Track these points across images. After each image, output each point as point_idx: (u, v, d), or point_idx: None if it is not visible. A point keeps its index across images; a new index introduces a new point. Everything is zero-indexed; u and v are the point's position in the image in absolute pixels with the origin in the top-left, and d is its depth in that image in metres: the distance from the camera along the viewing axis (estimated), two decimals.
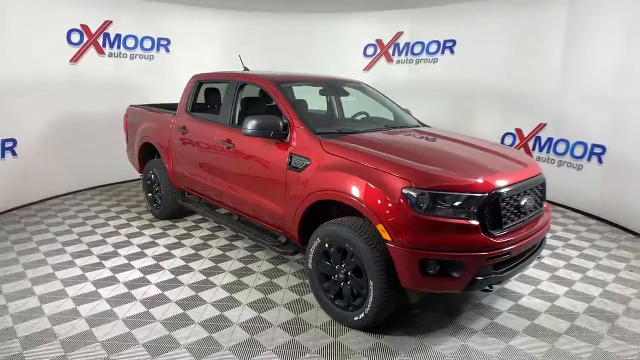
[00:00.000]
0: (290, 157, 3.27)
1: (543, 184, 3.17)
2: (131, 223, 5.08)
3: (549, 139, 6.23)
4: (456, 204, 2.58)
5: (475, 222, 2.56)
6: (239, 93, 4.00)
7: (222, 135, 3.94)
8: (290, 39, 7.96)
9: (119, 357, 2.65)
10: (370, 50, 8.26)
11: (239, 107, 4.00)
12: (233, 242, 4.52)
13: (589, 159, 5.66)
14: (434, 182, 2.61)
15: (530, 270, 3.94)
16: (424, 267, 2.57)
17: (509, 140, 6.75)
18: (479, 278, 2.61)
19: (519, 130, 6.63)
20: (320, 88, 4.29)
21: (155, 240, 4.55)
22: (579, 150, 5.80)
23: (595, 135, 5.55)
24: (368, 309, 2.79)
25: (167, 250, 4.29)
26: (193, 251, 4.29)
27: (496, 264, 2.67)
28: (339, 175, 2.91)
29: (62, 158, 6.11)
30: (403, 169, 2.69)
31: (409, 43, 7.87)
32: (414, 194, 2.57)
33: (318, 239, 3.06)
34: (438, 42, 7.50)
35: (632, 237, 4.87)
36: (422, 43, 7.71)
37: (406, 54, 7.93)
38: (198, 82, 4.60)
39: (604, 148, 5.46)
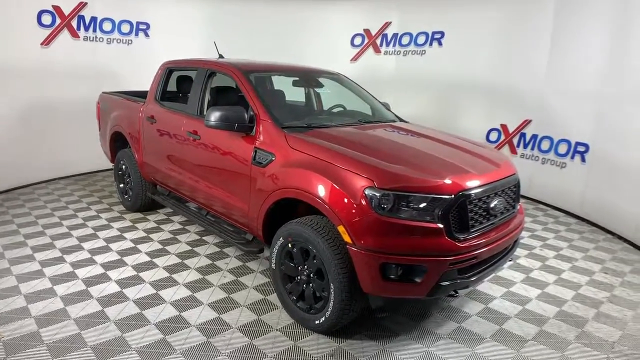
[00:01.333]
0: (255, 152, 3.12)
1: (517, 185, 3.05)
2: (101, 215, 4.91)
3: (534, 136, 6.13)
4: (420, 205, 2.45)
5: (439, 225, 2.44)
6: (208, 82, 3.82)
7: (188, 126, 3.78)
8: (276, 26, 7.74)
9: None
10: (357, 40, 8.07)
11: (207, 97, 3.82)
12: (203, 237, 4.38)
13: (572, 157, 5.57)
14: (398, 182, 2.47)
15: (505, 272, 3.85)
16: (385, 271, 2.45)
17: (494, 136, 6.64)
18: (443, 283, 2.50)
19: (504, 126, 6.52)
20: (294, 79, 4.11)
21: (123, 234, 4.40)
22: (562, 148, 5.70)
23: (579, 133, 5.45)
24: (329, 312, 2.68)
25: (133, 245, 4.14)
26: (160, 246, 4.15)
27: (462, 268, 2.55)
28: (301, 172, 2.77)
29: (33, 146, 5.91)
30: (366, 167, 2.55)
31: (397, 34, 7.69)
32: (376, 194, 2.44)
33: (281, 238, 2.93)
34: (426, 34, 7.34)
35: (610, 238, 4.80)
36: (410, 34, 7.54)
37: (394, 45, 7.75)
38: (168, 69, 4.41)
39: (587, 146, 5.36)
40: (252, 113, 3.23)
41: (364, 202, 2.45)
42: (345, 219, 2.49)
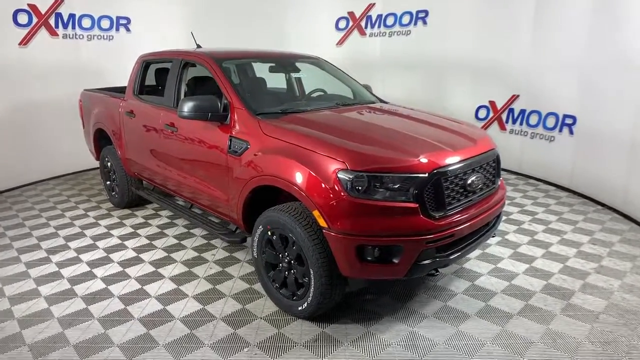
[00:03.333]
0: (230, 141, 3.08)
1: (496, 160, 3.01)
2: (88, 213, 4.89)
3: (522, 111, 6.07)
4: (394, 185, 2.42)
5: (414, 205, 2.41)
6: (183, 72, 3.76)
7: (165, 118, 3.73)
8: (259, 15, 7.63)
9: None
10: (342, 24, 7.96)
11: (183, 88, 3.77)
12: (191, 230, 4.36)
13: (560, 130, 5.52)
14: (370, 163, 2.44)
15: (492, 248, 3.84)
16: (362, 253, 2.43)
17: (482, 113, 6.58)
18: (421, 263, 2.48)
19: (492, 103, 6.45)
20: (271, 65, 4.05)
21: (110, 231, 4.38)
22: (550, 122, 5.64)
23: (566, 105, 5.38)
24: (310, 298, 2.67)
25: (120, 242, 4.13)
26: (147, 241, 4.13)
27: (440, 246, 2.53)
28: (275, 158, 2.73)
29: (19, 148, 5.87)
30: (338, 150, 2.51)
31: (382, 15, 7.58)
32: (349, 176, 2.40)
33: (261, 226, 2.91)
34: (410, 13, 7.22)
35: (600, 209, 4.78)
36: (394, 15, 7.43)
37: (379, 27, 7.65)
38: (145, 62, 4.35)
39: (574, 118, 5.30)
40: (225, 101, 3.18)
41: (337, 185, 2.42)
42: (319, 204, 2.46)
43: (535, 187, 5.62)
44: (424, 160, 2.50)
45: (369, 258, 2.44)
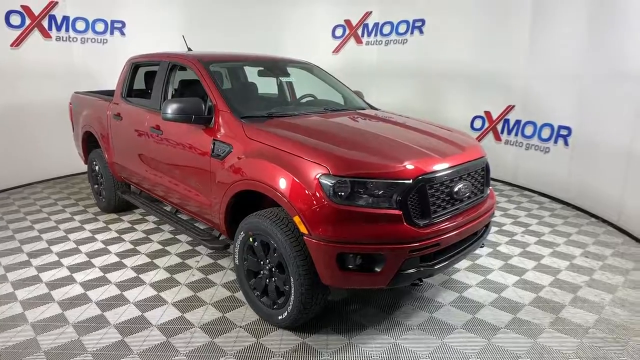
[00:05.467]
0: (214, 144, 3.01)
1: (485, 169, 2.94)
2: (74, 217, 4.81)
3: (517, 122, 6.02)
4: (377, 192, 2.35)
5: (397, 212, 2.33)
6: (170, 75, 3.71)
7: (152, 121, 3.67)
8: (255, 21, 7.61)
9: None
10: (339, 32, 7.96)
11: (170, 90, 3.72)
12: (176, 236, 4.28)
13: (555, 142, 5.46)
14: (353, 168, 2.37)
15: (483, 259, 3.76)
16: (343, 261, 2.35)
17: (478, 123, 6.53)
18: (405, 272, 2.40)
19: (488, 113, 6.41)
20: (259, 69, 4.00)
21: (95, 235, 4.30)
22: (546, 133, 5.59)
23: (561, 116, 5.34)
24: (290, 307, 2.58)
25: (103, 246, 4.04)
26: (131, 246, 4.04)
27: (425, 255, 2.45)
28: (257, 162, 2.67)
29: (8, 150, 5.80)
30: (320, 154, 2.45)
31: (378, 23, 7.57)
32: (331, 182, 2.33)
33: (242, 232, 2.83)
34: (407, 22, 7.22)
35: (594, 222, 4.70)
36: (391, 23, 7.42)
37: (375, 35, 7.64)
38: (134, 64, 4.30)
39: (570, 130, 5.25)
40: (210, 104, 3.12)
41: (318, 191, 2.35)
42: (300, 209, 2.39)
43: (530, 199, 5.55)
44: (409, 166, 2.43)
45: (350, 266, 2.36)
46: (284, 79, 4.21)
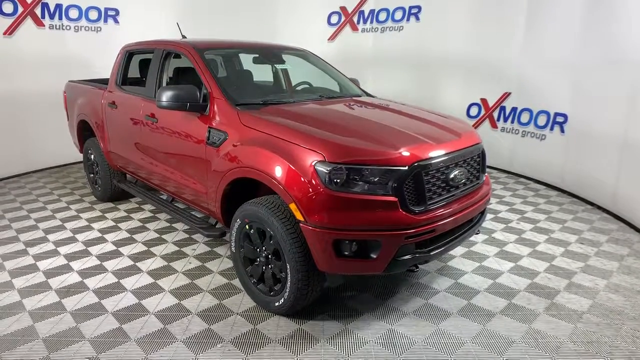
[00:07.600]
0: (209, 132, 3.00)
1: (480, 155, 2.94)
2: (70, 206, 4.80)
3: (514, 109, 6.01)
4: (373, 178, 2.35)
5: (393, 198, 2.34)
6: (165, 62, 3.68)
7: (146, 109, 3.64)
8: (250, 9, 7.52)
9: (12, 354, 2.43)
10: (334, 19, 7.88)
11: (165, 78, 3.68)
12: (173, 225, 4.28)
13: (551, 129, 5.46)
14: (349, 155, 2.37)
15: (478, 246, 3.78)
16: (339, 248, 2.36)
17: (474, 111, 6.52)
18: (400, 258, 2.41)
19: (484, 101, 6.39)
20: (254, 56, 3.96)
21: (91, 224, 4.29)
22: (542, 120, 5.59)
23: (558, 103, 5.33)
24: (287, 293, 2.59)
25: (100, 235, 4.04)
26: (128, 235, 4.04)
27: (420, 242, 2.46)
28: (252, 149, 2.66)
29: (3, 139, 5.75)
30: (316, 141, 2.44)
31: (374, 10, 7.50)
32: (327, 169, 2.33)
33: (238, 220, 2.83)
34: (403, 9, 7.15)
35: (590, 209, 4.73)
36: (387, 10, 7.35)
37: (371, 22, 7.57)
38: (128, 52, 4.26)
39: (565, 117, 5.25)
40: (205, 91, 3.09)
41: (314, 178, 2.35)
42: (296, 196, 2.39)
43: (526, 186, 5.56)
44: (404, 153, 2.43)
45: (346, 253, 2.37)
46: (279, 66, 4.17)
